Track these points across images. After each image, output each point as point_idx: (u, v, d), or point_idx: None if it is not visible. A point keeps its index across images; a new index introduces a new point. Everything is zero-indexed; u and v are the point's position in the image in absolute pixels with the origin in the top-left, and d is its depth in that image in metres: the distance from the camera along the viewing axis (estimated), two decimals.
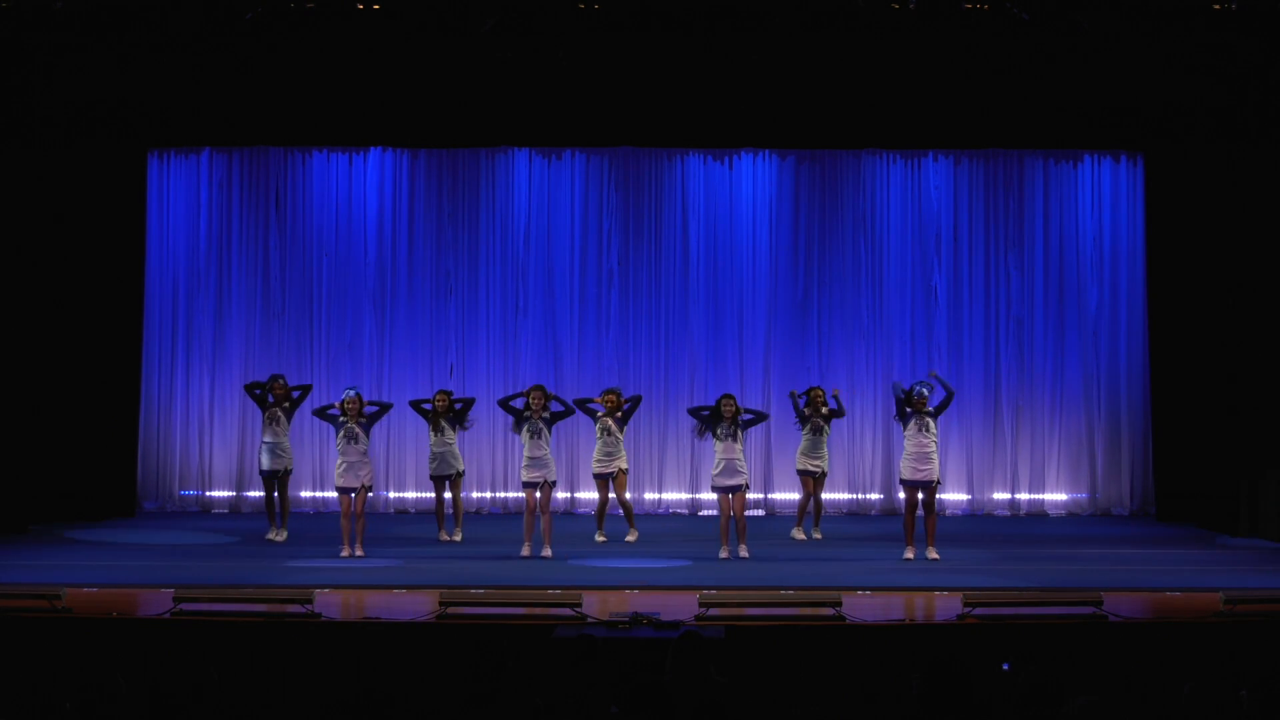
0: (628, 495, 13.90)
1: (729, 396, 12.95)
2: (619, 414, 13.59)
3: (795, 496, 15.01)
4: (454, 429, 13.71)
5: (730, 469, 12.72)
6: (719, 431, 12.77)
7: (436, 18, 14.13)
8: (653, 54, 14.77)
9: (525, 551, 12.66)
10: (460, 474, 13.82)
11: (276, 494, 13.74)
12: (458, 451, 13.80)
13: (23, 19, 13.73)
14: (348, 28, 14.19)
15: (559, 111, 15.68)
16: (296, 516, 14.87)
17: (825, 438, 14.02)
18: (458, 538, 13.69)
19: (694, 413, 13.27)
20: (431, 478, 13.84)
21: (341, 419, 12.88)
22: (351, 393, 12.97)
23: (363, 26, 14.17)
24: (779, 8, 14.06)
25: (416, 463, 16.13)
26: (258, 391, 13.86)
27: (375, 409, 13.29)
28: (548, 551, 12.63)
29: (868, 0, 13.90)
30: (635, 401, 13.85)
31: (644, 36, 14.46)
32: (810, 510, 14.19)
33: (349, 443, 12.81)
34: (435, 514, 13.94)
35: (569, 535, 13.77)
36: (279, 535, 13.66)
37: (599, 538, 13.65)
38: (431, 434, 13.74)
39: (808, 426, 13.95)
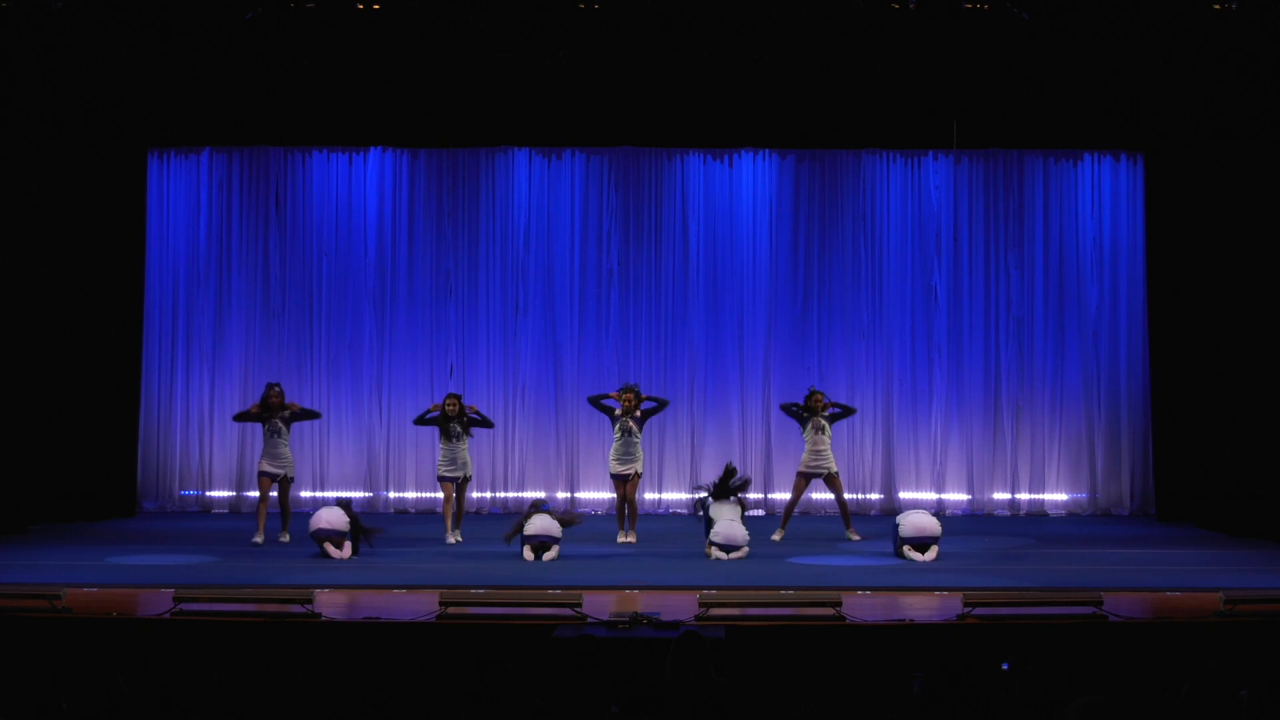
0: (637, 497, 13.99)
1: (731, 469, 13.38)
2: (638, 413, 13.58)
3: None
4: (465, 435, 13.70)
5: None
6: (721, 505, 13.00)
7: (436, 18, 14.14)
8: (653, 54, 14.78)
9: (529, 555, 12.60)
10: (468, 479, 13.84)
11: (276, 496, 13.71)
12: (468, 456, 13.79)
13: (23, 19, 13.73)
14: (347, 28, 14.20)
15: (559, 111, 15.68)
16: (296, 517, 14.86)
17: (828, 436, 13.90)
18: (458, 537, 13.66)
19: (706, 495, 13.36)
20: (440, 479, 13.82)
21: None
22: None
23: (363, 26, 14.18)
24: (779, 8, 14.06)
25: (416, 463, 16.15)
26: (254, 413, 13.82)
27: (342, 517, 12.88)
28: (529, 556, 12.54)
29: (868, 0, 13.90)
30: (660, 404, 13.86)
31: (644, 36, 14.46)
32: (838, 511, 14.19)
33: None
34: (444, 515, 13.83)
35: (579, 535, 13.78)
36: (283, 536, 13.62)
37: (621, 538, 13.62)
38: (441, 439, 13.72)
39: (809, 426, 13.87)
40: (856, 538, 13.81)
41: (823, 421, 13.86)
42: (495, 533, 13.73)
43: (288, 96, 15.40)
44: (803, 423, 13.93)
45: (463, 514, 13.89)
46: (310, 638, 9.40)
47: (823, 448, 13.82)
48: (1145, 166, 16.36)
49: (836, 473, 13.95)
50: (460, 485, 13.74)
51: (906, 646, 9.28)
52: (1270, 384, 14.36)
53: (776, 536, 13.78)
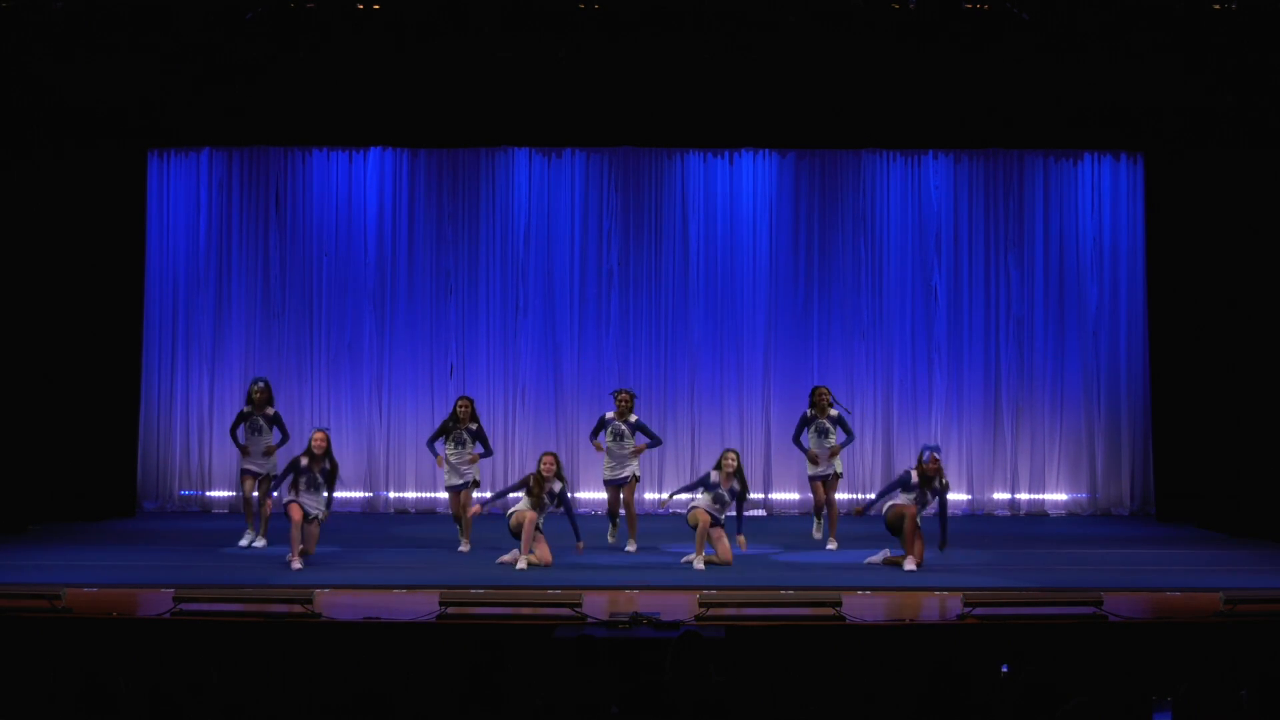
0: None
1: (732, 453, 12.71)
2: (631, 418, 13.46)
3: (795, 496, 15.00)
4: (472, 443, 13.36)
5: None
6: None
7: (436, 18, 14.13)
8: (653, 54, 14.75)
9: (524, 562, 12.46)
10: (476, 483, 13.53)
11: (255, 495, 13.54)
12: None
13: (22, 19, 13.72)
14: (348, 28, 14.17)
15: (559, 111, 15.66)
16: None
17: (831, 440, 13.57)
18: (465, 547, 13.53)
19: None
20: (447, 488, 13.58)
21: (305, 463, 12.41)
22: (318, 435, 12.52)
23: (363, 26, 14.16)
24: (779, 7, 14.06)
25: (416, 463, 16.15)
26: (244, 418, 13.61)
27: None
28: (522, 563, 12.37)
29: (868, 0, 13.90)
30: (653, 441, 13.61)
31: (644, 36, 14.43)
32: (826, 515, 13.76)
33: (310, 490, 12.43)
34: (456, 519, 13.55)
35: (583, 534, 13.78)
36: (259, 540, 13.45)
37: (611, 538, 13.57)
38: (449, 445, 13.37)
39: (813, 428, 13.61)
40: (820, 536, 13.71)
41: (827, 424, 13.60)
42: (494, 533, 13.74)
43: (288, 96, 15.38)
44: (808, 424, 13.65)
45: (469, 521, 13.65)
46: (310, 638, 9.41)
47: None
48: (1145, 166, 16.36)
49: (839, 476, 13.76)
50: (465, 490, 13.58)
51: (906, 646, 9.30)
52: (1270, 384, 14.37)
53: (825, 541, 13.53)
